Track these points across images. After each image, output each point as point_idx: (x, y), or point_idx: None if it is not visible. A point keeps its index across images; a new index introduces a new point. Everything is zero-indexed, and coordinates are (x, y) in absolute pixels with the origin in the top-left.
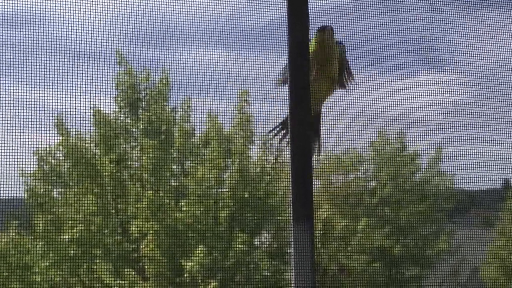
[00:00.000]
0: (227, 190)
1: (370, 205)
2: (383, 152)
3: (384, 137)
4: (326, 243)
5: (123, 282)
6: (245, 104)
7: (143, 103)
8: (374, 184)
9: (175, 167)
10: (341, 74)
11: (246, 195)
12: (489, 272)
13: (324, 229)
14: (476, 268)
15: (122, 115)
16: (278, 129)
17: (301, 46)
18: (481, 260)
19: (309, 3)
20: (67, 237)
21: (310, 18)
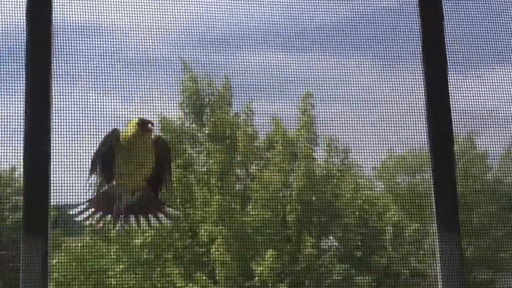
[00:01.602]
0: (294, 193)
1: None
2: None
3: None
4: (398, 247)
5: (194, 285)
6: (309, 106)
7: (207, 108)
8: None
9: (239, 171)
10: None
11: (313, 198)
12: None
13: (394, 233)
14: None
15: (187, 121)
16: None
17: None
18: None
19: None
20: (139, 241)
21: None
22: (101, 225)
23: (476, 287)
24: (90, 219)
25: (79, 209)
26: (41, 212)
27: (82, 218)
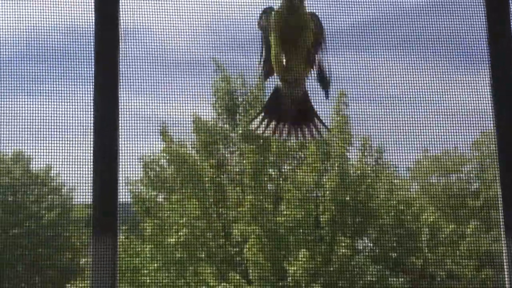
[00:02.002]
0: (328, 193)
1: (474, 207)
2: (487, 152)
3: (487, 135)
4: (434, 248)
5: (227, 284)
6: (343, 105)
7: (240, 108)
8: (478, 185)
9: (272, 171)
10: (316, 49)
11: (347, 198)
12: None
13: (431, 234)
14: None
15: (220, 121)
16: (260, 117)
17: None
18: None
19: None
20: (173, 240)
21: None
22: (278, 134)
23: None
24: (266, 130)
25: (256, 122)
26: (110, 209)
27: (260, 131)
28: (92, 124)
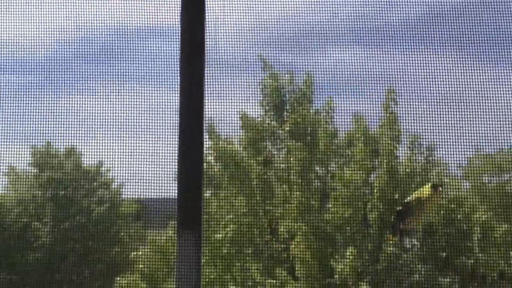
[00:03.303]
0: (375, 191)
1: None
2: None
3: None
4: (486, 248)
5: (274, 281)
6: (392, 102)
7: (288, 105)
8: None
9: (318, 168)
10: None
11: (396, 196)
12: None
13: (483, 233)
14: None
15: (268, 118)
16: None
17: None
18: None
19: None
20: (220, 236)
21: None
22: None
23: None
24: None
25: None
26: (195, 209)
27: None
28: (177, 125)
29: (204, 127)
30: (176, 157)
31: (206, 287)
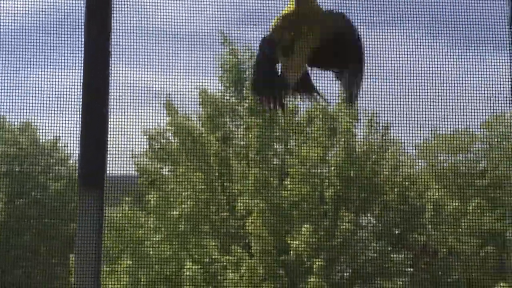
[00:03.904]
0: (332, 168)
1: (481, 186)
2: (496, 132)
3: (499, 116)
4: (437, 225)
5: (230, 257)
6: None
7: (248, 82)
8: (485, 165)
9: (277, 146)
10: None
11: (352, 174)
12: None
13: (434, 211)
14: None
15: (227, 95)
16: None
17: None
18: None
19: None
20: (176, 213)
21: None
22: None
23: None
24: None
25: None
26: (98, 165)
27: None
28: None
29: (113, 99)
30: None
31: (162, 265)
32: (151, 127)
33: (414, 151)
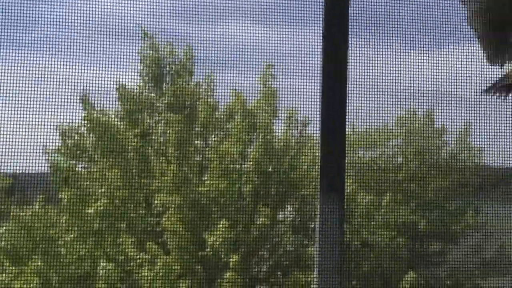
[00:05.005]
0: (251, 164)
1: (396, 180)
2: (410, 127)
3: (412, 112)
4: (351, 218)
5: (146, 255)
6: (270, 77)
7: (168, 77)
8: (401, 159)
9: (198, 141)
10: None
11: (270, 169)
12: None
13: (347, 204)
14: (503, 245)
15: (146, 90)
16: None
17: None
18: (509, 237)
19: None
20: (91, 210)
21: None
22: None
23: (428, 258)
24: None
25: None
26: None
27: None
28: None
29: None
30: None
31: (75, 264)
32: (65, 122)
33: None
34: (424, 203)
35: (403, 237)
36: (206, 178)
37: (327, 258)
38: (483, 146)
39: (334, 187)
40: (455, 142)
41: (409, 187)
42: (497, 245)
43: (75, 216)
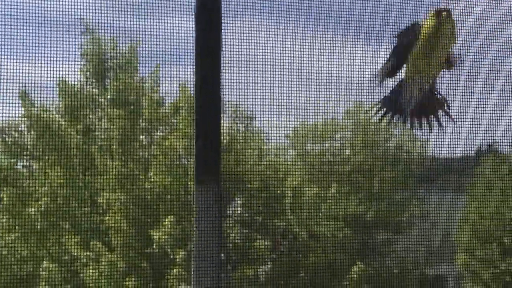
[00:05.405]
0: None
1: (344, 172)
2: (357, 120)
3: (358, 105)
4: (297, 210)
5: (90, 254)
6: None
7: (111, 73)
8: (348, 152)
9: (143, 137)
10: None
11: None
12: (461, 237)
13: (294, 197)
14: (448, 233)
15: (88, 85)
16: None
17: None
18: (453, 225)
19: None
20: (33, 210)
21: None
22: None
23: (375, 248)
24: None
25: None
26: None
27: (377, 119)
28: None
29: None
30: None
31: (18, 265)
32: (3, 119)
33: (285, 141)
34: (371, 194)
35: (350, 228)
36: (151, 174)
37: (204, 244)
38: (427, 137)
39: (209, 171)
40: (401, 134)
41: (356, 179)
42: (442, 233)
43: (16, 216)
